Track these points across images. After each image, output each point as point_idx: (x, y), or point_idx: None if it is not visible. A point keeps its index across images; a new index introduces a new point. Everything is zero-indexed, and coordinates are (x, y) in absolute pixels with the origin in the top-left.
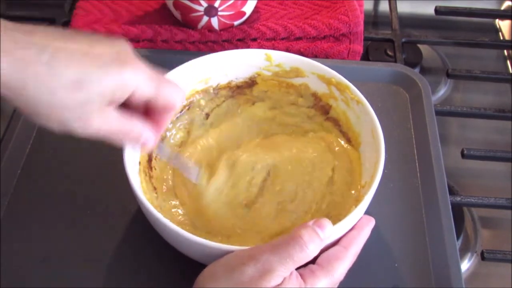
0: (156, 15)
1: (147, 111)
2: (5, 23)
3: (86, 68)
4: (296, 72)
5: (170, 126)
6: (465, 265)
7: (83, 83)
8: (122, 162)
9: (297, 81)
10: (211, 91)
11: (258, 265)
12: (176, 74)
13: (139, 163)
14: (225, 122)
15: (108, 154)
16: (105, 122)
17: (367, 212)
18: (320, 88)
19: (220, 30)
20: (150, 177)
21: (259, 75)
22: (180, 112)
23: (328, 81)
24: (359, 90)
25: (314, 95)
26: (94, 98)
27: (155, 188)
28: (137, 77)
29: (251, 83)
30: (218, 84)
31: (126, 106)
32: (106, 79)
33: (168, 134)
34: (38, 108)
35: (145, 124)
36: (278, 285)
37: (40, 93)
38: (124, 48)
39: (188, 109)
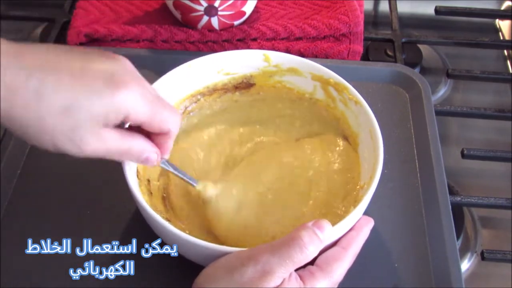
0: (156, 15)
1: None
2: None
3: (75, 93)
4: (294, 72)
5: None
6: (465, 265)
7: (72, 109)
8: (121, 163)
9: None
10: (209, 91)
11: (258, 266)
12: (175, 74)
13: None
14: (220, 123)
15: None
16: (100, 143)
17: (367, 211)
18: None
19: (220, 30)
20: (148, 180)
21: (257, 75)
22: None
23: (326, 82)
24: (359, 90)
25: (312, 96)
26: (84, 123)
27: (151, 193)
28: (130, 102)
29: (249, 83)
30: (216, 85)
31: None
32: (96, 104)
33: None
34: (28, 132)
35: (147, 141)
36: (278, 286)
37: (28, 119)
38: (122, 66)
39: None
